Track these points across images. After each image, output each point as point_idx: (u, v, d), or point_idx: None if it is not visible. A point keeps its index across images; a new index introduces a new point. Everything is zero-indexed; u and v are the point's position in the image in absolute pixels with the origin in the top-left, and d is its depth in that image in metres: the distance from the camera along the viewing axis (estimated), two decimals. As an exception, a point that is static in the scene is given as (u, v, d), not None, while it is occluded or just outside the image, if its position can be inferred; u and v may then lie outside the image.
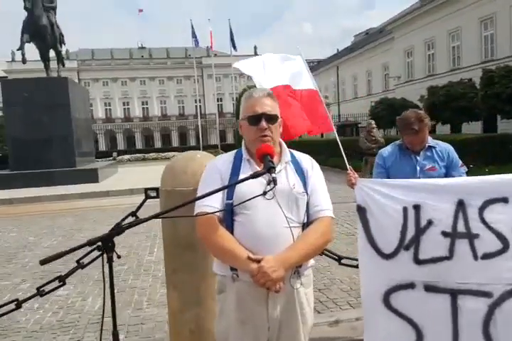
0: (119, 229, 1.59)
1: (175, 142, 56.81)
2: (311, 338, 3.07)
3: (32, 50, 17.28)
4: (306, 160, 2.04)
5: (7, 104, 15.30)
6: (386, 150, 3.14)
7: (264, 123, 1.89)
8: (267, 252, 1.79)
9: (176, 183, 2.80)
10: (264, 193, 1.71)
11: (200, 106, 56.43)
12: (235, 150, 2.02)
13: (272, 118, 1.92)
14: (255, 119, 1.90)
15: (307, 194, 1.93)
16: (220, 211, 1.81)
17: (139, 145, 53.53)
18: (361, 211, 2.61)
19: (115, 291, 4.72)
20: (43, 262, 1.51)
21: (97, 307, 4.29)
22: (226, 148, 30.66)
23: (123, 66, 60.00)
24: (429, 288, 2.44)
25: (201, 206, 1.83)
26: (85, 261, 2.55)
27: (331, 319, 3.47)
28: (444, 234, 2.44)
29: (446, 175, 2.99)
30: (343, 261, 3.14)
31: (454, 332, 2.40)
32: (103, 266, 1.65)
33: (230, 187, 1.82)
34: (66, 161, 15.19)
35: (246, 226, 1.83)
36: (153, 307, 4.15)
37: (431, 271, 2.43)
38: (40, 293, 2.83)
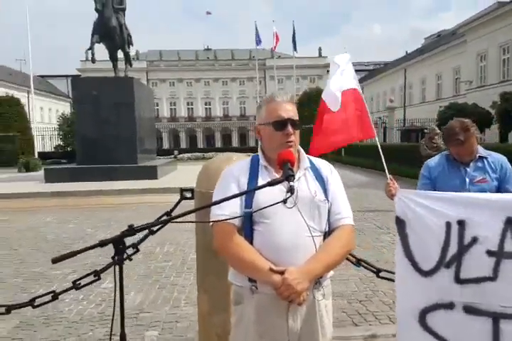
0: (131, 232, 1.58)
1: (235, 142, 57.55)
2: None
3: (103, 50, 18.07)
4: (325, 167, 1.95)
5: (77, 102, 16.14)
6: (433, 161, 2.96)
7: (290, 129, 1.82)
8: (288, 263, 1.71)
9: (210, 185, 2.76)
10: (285, 201, 1.64)
11: (261, 107, 56.83)
12: (251, 156, 1.95)
13: (296, 124, 1.85)
14: (281, 125, 1.82)
15: (328, 201, 1.84)
16: (236, 218, 1.73)
17: (200, 144, 54.63)
18: (400, 224, 2.48)
19: (156, 287, 4.83)
20: (55, 261, 1.51)
21: (137, 302, 4.38)
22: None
23: (189, 67, 61.57)
24: (470, 310, 2.27)
25: (217, 214, 1.77)
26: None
27: (366, 333, 3.32)
28: (490, 253, 2.27)
29: (499, 188, 2.76)
30: (381, 274, 2.99)
31: None
32: (114, 268, 1.63)
33: (248, 196, 1.76)
34: (129, 158, 15.75)
35: (266, 236, 1.76)
36: (190, 306, 4.17)
37: (472, 292, 2.27)
38: (75, 286, 2.92)
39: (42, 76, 58.28)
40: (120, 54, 18.23)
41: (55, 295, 3.02)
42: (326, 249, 1.77)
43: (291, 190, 1.62)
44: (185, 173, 17.80)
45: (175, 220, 1.63)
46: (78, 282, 2.85)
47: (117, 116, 15.65)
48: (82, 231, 7.87)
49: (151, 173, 15.43)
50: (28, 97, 29.08)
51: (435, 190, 2.80)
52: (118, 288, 1.65)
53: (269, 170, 1.85)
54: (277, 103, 1.86)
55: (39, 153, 28.98)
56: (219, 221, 1.72)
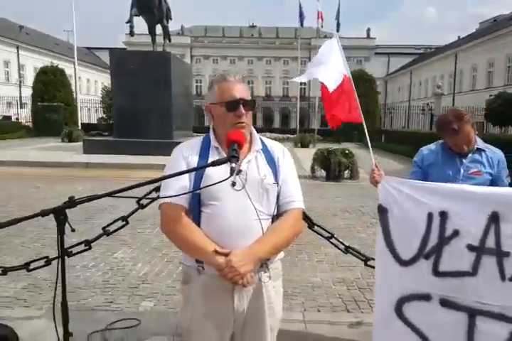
0: (72, 203, 1.62)
1: (276, 123, 57.27)
2: (323, 335, 2.98)
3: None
4: (278, 149, 1.93)
5: (114, 75, 16.37)
6: (427, 148, 2.84)
7: (242, 110, 1.79)
8: (234, 245, 1.72)
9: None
10: (234, 184, 1.65)
11: (304, 88, 56.14)
12: (203, 136, 1.93)
13: (249, 104, 1.81)
14: (233, 105, 1.79)
15: (278, 184, 1.83)
16: (180, 195, 1.71)
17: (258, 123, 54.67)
18: (383, 212, 2.45)
19: (164, 260, 4.92)
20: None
21: (142, 273, 4.52)
22: (323, 133, 30.27)
23: (232, 44, 61.20)
24: (446, 303, 2.25)
25: (165, 195, 1.77)
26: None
27: (354, 319, 3.31)
28: (470, 247, 2.22)
29: (491, 185, 2.65)
30: (369, 263, 2.97)
31: None
32: (58, 239, 1.68)
33: (196, 177, 1.75)
34: (163, 133, 15.95)
35: (213, 218, 1.76)
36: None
37: (450, 285, 2.24)
38: (68, 253, 3.05)
39: (88, 48, 59.45)
40: (159, 29, 18.23)
41: (48, 261, 3.16)
42: (273, 232, 1.77)
43: (232, 172, 1.59)
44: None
45: (117, 195, 1.65)
46: (70, 250, 3.01)
47: (154, 91, 15.81)
48: (107, 203, 8.12)
49: (183, 149, 15.61)
50: (75, 68, 29.68)
51: (425, 179, 2.72)
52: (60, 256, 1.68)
53: (220, 151, 1.82)
54: (229, 83, 1.81)
55: (83, 124, 29.84)
56: (166, 197, 1.73)
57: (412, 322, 2.35)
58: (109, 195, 1.65)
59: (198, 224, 1.78)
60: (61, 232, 1.66)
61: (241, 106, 1.79)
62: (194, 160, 1.81)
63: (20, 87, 42.03)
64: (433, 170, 2.73)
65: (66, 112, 29.16)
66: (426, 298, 2.30)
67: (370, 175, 2.52)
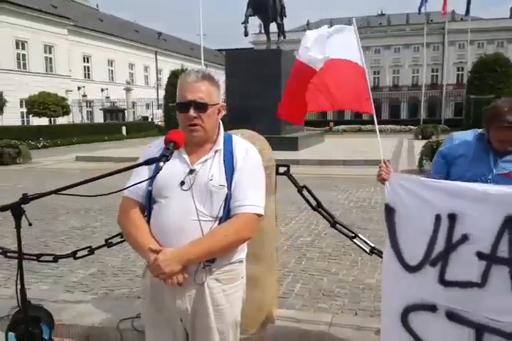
0: (25, 200, 1.72)
1: (403, 114, 54.40)
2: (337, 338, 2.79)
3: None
4: (241, 151, 1.82)
5: (228, 75, 17.04)
6: (461, 136, 2.41)
7: (191, 112, 1.74)
8: (172, 244, 1.71)
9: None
10: (182, 182, 1.73)
11: (436, 75, 52.48)
12: None
13: (201, 107, 1.74)
14: (183, 107, 1.75)
15: (228, 187, 1.74)
16: (126, 188, 1.77)
17: (364, 115, 53.01)
18: (389, 212, 2.26)
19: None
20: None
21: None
22: (454, 123, 28.02)
23: (360, 35, 59.32)
24: (452, 317, 2.02)
25: (125, 191, 1.82)
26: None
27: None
28: (480, 255, 1.96)
29: None
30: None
31: None
32: (17, 230, 1.80)
33: (153, 174, 1.74)
34: (273, 128, 16.22)
35: (158, 215, 1.77)
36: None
37: (457, 297, 2.01)
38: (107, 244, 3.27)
39: (220, 50, 62.62)
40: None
41: (91, 250, 3.44)
42: (210, 234, 1.71)
43: (157, 170, 1.63)
44: (329, 146, 17.70)
45: (63, 192, 1.72)
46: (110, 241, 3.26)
47: (264, 88, 16.11)
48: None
49: (292, 145, 15.71)
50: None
51: (447, 173, 2.37)
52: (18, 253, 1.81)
53: (181, 150, 1.80)
54: (186, 83, 1.77)
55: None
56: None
57: (417, 334, 2.17)
58: (58, 190, 1.70)
59: (149, 219, 1.80)
60: (18, 226, 1.79)
61: (191, 108, 1.74)
62: (147, 159, 1.77)
63: (157, 89, 45.94)
64: (460, 164, 2.33)
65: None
66: (432, 309, 2.09)
67: (378, 173, 2.27)
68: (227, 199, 1.74)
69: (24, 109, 29.03)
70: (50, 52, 34.67)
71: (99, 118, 37.67)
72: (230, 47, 66.13)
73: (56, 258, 3.48)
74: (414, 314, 2.13)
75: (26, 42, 32.11)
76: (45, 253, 3.58)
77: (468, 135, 2.38)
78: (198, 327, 1.82)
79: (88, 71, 40.38)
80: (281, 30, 18.86)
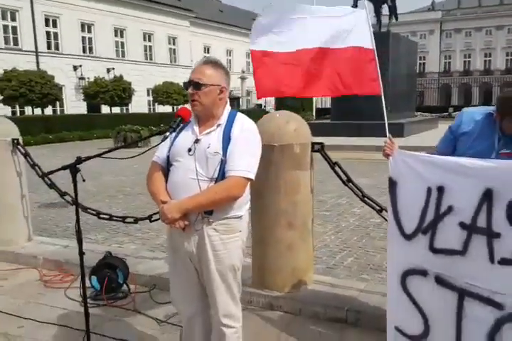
0: (78, 161, 2.27)
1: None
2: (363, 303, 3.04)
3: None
4: (238, 126, 2.17)
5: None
6: (470, 113, 2.44)
7: (190, 90, 2.15)
8: (177, 197, 2.15)
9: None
10: (189, 149, 2.15)
11: None
12: None
13: (197, 86, 2.13)
14: (186, 85, 2.18)
15: (223, 154, 2.11)
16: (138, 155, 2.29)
17: (476, 101, 48.71)
18: (392, 184, 2.49)
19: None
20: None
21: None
22: None
23: (489, 14, 54.37)
24: (440, 281, 2.24)
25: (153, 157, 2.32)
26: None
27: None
28: (462, 225, 2.15)
29: None
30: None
31: (457, 336, 2.16)
32: (74, 185, 2.36)
33: (171, 142, 2.24)
34: (377, 115, 15.86)
35: (171, 174, 2.23)
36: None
37: (444, 263, 2.21)
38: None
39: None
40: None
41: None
42: (203, 192, 2.11)
43: (164, 138, 2.11)
44: (441, 132, 16.84)
45: (107, 155, 2.24)
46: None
47: (369, 73, 15.87)
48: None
49: (396, 130, 15.25)
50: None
51: (454, 149, 2.47)
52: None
53: (192, 123, 2.24)
54: (195, 67, 2.20)
55: (317, 109, 31.74)
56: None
57: (414, 296, 2.37)
58: (101, 155, 2.25)
59: (166, 178, 2.26)
60: (74, 180, 2.35)
61: (191, 86, 2.16)
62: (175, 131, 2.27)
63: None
64: (464, 141, 2.41)
65: (303, 99, 31.44)
66: (423, 273, 2.30)
67: (383, 148, 2.48)
68: (222, 164, 2.12)
69: (150, 98, 31.83)
70: (173, 44, 37.31)
71: (216, 105, 39.73)
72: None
73: (136, 220, 4.17)
74: (410, 278, 2.33)
75: (152, 34, 34.90)
76: (128, 216, 4.29)
77: (478, 113, 2.43)
78: (203, 267, 2.24)
79: (208, 61, 42.62)
80: (392, 13, 18.29)
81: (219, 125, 2.19)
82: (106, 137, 19.85)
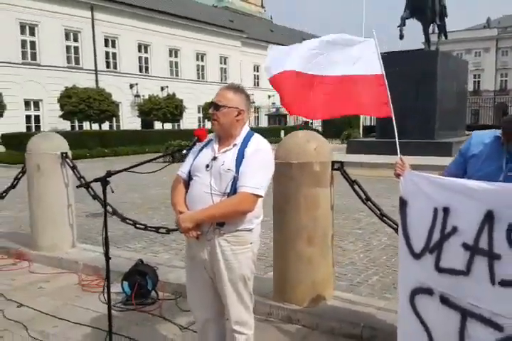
0: (108, 174, 2.51)
1: None
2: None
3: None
4: (252, 146, 2.36)
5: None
6: (479, 136, 2.50)
7: (210, 110, 2.38)
8: (194, 208, 2.35)
9: (285, 157, 3.34)
10: (207, 165, 2.35)
11: None
12: None
13: (217, 106, 2.35)
14: (209, 106, 2.42)
15: (236, 172, 2.29)
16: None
17: None
18: (402, 204, 2.57)
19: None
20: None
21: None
22: None
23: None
24: (444, 300, 2.29)
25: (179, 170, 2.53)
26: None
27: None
28: (465, 246, 2.21)
29: None
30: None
31: None
32: (104, 195, 2.60)
33: (193, 159, 2.44)
34: (425, 133, 15.67)
35: (190, 187, 2.43)
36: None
37: (448, 282, 2.27)
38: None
39: (388, 52, 61.03)
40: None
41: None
42: (215, 205, 2.29)
43: (184, 156, 2.33)
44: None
45: (131, 170, 2.47)
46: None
47: (417, 91, 15.68)
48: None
49: (445, 150, 14.97)
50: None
51: (465, 171, 2.52)
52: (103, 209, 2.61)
53: (213, 141, 2.45)
54: (219, 90, 2.43)
55: (365, 126, 31.45)
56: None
57: (421, 315, 2.41)
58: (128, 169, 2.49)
59: (187, 191, 2.45)
60: (104, 191, 2.60)
61: (212, 107, 2.38)
62: (198, 148, 2.50)
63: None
64: (473, 163, 2.47)
65: (351, 116, 31.28)
66: (430, 292, 2.35)
67: (394, 168, 2.57)
68: (234, 180, 2.30)
69: (200, 115, 32.72)
70: (224, 63, 38.36)
71: (264, 123, 40.33)
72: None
73: (168, 231, 4.39)
74: (418, 297, 2.37)
75: (205, 54, 36.08)
76: (162, 226, 4.53)
77: (486, 136, 2.48)
78: (216, 276, 2.41)
79: (257, 79, 43.41)
80: (441, 31, 18.08)
81: (235, 145, 2.38)
82: (157, 152, 20.60)
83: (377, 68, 2.77)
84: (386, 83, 2.76)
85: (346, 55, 2.84)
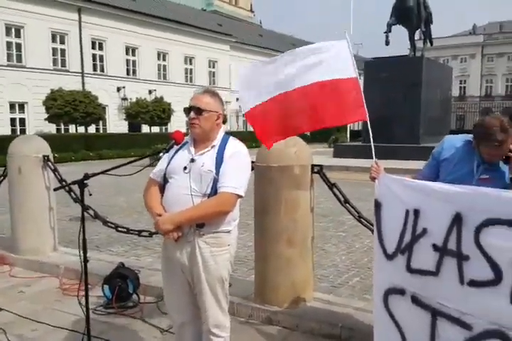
0: (86, 177, 2.51)
1: None
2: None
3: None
4: (230, 149, 2.38)
5: (366, 82, 17.13)
6: (451, 140, 2.57)
7: (192, 114, 2.38)
8: (171, 211, 2.36)
9: (265, 160, 3.39)
10: (185, 167, 2.36)
11: None
12: None
13: (198, 110, 2.36)
14: (187, 110, 2.42)
15: (216, 173, 2.31)
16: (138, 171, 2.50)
17: None
18: (377, 206, 2.62)
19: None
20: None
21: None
22: None
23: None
24: (415, 300, 2.33)
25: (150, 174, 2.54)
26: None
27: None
28: (435, 247, 2.26)
29: None
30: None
31: None
32: (81, 198, 2.60)
33: (168, 161, 2.45)
34: (410, 138, 15.87)
35: (166, 191, 2.44)
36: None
37: (419, 283, 2.32)
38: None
39: (375, 58, 61.55)
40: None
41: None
42: (195, 207, 2.31)
43: (157, 158, 2.32)
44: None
45: (108, 172, 2.47)
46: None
47: (402, 96, 15.91)
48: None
49: (429, 154, 15.13)
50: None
51: (438, 174, 2.58)
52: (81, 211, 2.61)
53: (189, 144, 2.46)
54: (194, 95, 2.44)
55: (352, 131, 31.62)
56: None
57: (394, 315, 2.46)
58: (104, 172, 2.49)
59: (162, 193, 2.46)
60: (82, 195, 2.60)
61: (192, 111, 2.38)
62: (173, 150, 2.50)
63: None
64: (444, 167, 2.53)
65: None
66: (401, 292, 2.39)
67: (370, 171, 2.62)
68: (214, 181, 2.32)
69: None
70: (213, 67, 38.37)
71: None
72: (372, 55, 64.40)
73: (151, 234, 4.39)
74: (391, 297, 2.42)
75: (193, 58, 36.06)
76: (144, 229, 4.53)
77: (458, 140, 2.54)
78: (194, 278, 2.42)
79: (246, 83, 43.47)
80: (427, 38, 18.36)
81: (213, 146, 2.40)
82: (143, 155, 20.45)
83: (350, 71, 2.73)
84: (361, 86, 2.78)
85: (318, 60, 2.76)
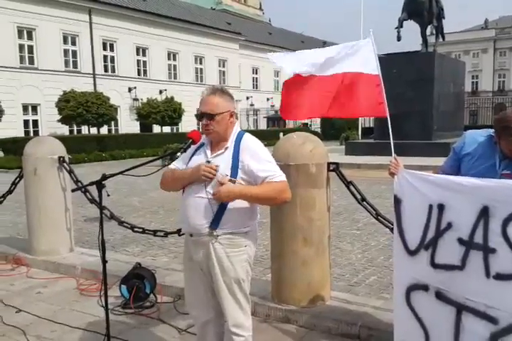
0: (103, 178, 2.51)
1: None
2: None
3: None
4: (245, 149, 2.34)
5: (378, 79, 17.03)
6: (472, 135, 2.51)
7: (204, 121, 2.35)
8: (188, 214, 2.36)
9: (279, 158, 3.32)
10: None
11: None
12: None
13: (210, 116, 2.32)
14: (199, 117, 2.40)
15: (231, 175, 2.28)
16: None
17: None
18: (397, 202, 2.59)
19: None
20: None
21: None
22: None
23: None
24: (440, 296, 2.31)
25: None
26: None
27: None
28: (461, 241, 2.24)
29: None
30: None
31: None
32: (99, 199, 2.60)
33: (188, 160, 2.45)
34: (423, 134, 15.72)
35: (184, 193, 2.44)
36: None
37: (444, 278, 2.30)
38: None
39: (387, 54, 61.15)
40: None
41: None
42: (260, 186, 2.28)
43: (171, 158, 2.36)
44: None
45: (127, 173, 2.47)
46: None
47: (415, 92, 15.72)
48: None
49: (443, 150, 14.98)
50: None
51: (459, 169, 2.53)
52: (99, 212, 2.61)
53: (205, 145, 2.45)
54: (202, 98, 2.38)
55: (363, 128, 31.42)
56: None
57: (417, 311, 2.45)
58: (122, 172, 2.49)
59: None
60: (100, 195, 2.60)
61: (204, 118, 2.35)
62: (191, 151, 2.48)
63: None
64: (465, 162, 2.48)
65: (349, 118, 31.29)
66: (425, 288, 2.37)
67: (389, 167, 2.59)
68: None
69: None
70: (223, 66, 38.39)
71: (263, 125, 40.40)
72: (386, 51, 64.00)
73: (166, 234, 4.40)
74: (414, 293, 2.40)
75: (203, 57, 36.13)
76: (160, 229, 4.54)
77: (479, 135, 2.50)
78: (213, 277, 2.41)
79: (256, 82, 43.47)
80: (439, 33, 18.16)
81: (227, 148, 2.37)
82: (155, 155, 20.60)
83: (374, 68, 2.79)
84: (382, 83, 2.77)
85: (346, 55, 2.87)
